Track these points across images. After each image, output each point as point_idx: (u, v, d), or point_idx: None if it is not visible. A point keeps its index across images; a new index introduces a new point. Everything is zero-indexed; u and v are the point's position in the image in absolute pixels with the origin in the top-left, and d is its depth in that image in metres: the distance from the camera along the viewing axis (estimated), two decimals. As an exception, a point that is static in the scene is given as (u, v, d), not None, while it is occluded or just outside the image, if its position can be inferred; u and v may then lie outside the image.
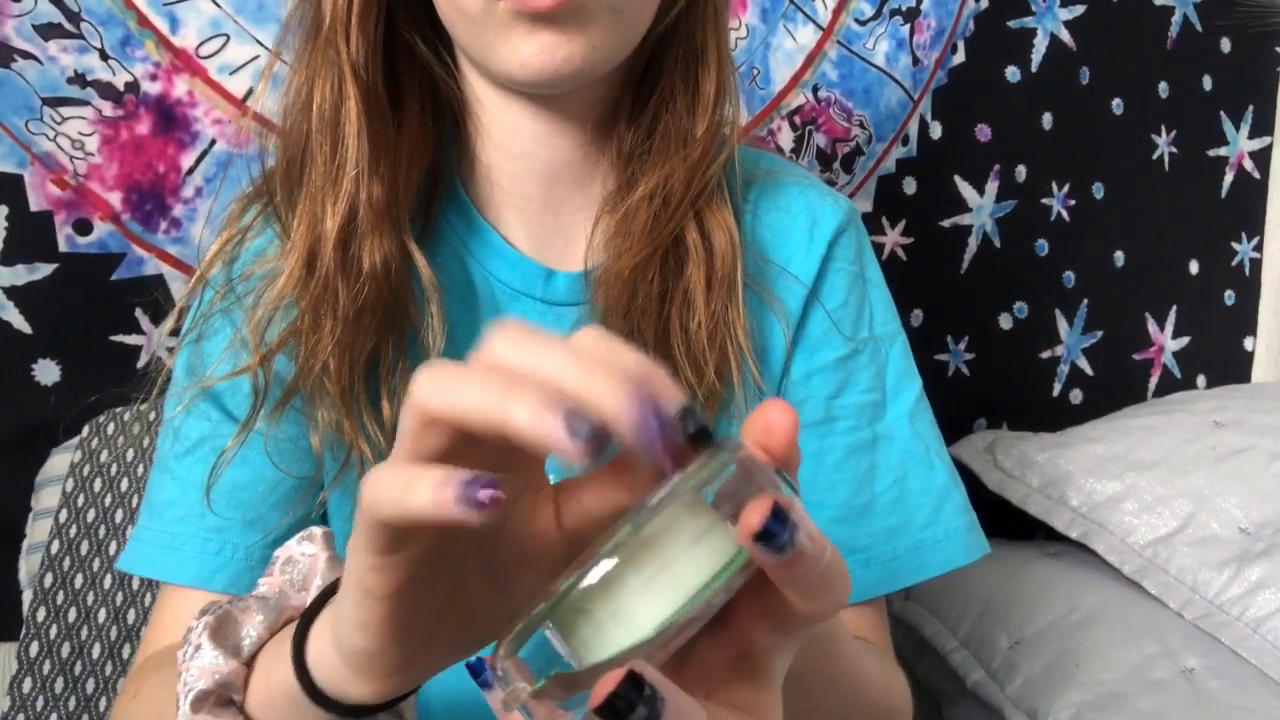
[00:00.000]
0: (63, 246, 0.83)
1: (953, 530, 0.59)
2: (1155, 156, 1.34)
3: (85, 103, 0.82)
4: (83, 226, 0.83)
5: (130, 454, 0.79)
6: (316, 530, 0.39)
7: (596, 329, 0.27)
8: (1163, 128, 1.34)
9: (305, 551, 0.39)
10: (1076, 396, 1.31)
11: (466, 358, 0.27)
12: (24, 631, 0.75)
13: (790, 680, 0.31)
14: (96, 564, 0.76)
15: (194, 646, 0.36)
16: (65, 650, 0.74)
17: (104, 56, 0.82)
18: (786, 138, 1.08)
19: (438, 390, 0.25)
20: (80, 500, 0.77)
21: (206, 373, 0.53)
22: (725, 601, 0.26)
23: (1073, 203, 1.27)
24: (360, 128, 0.50)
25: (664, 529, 0.25)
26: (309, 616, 0.34)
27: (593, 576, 0.25)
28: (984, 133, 1.19)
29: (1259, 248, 1.45)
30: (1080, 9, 1.24)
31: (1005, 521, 1.15)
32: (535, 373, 0.25)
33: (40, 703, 0.73)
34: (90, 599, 0.75)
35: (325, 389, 0.51)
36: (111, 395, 0.82)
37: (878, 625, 0.59)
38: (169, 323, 0.58)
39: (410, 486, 0.24)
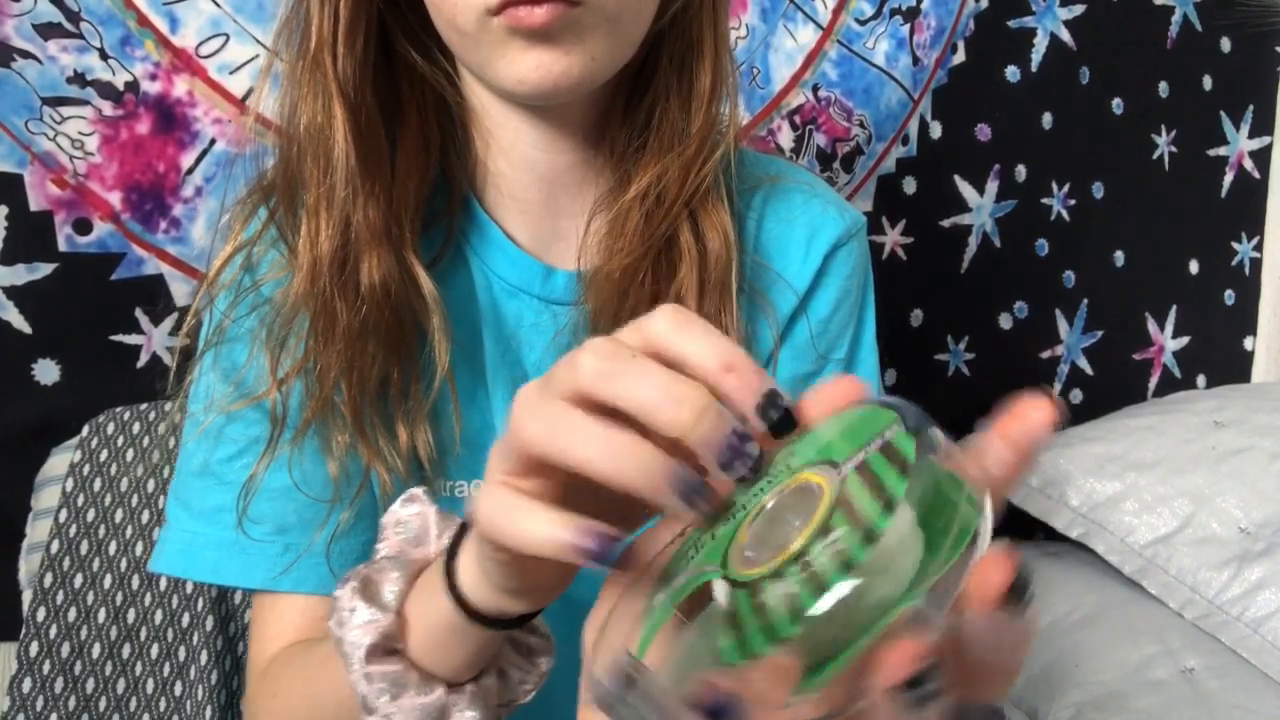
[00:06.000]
0: (63, 246, 0.83)
1: None
2: (1155, 156, 1.34)
3: (85, 102, 0.82)
4: (83, 226, 0.83)
5: (130, 454, 0.79)
6: (417, 491, 0.42)
7: (674, 312, 0.29)
8: (1163, 128, 1.34)
9: (412, 512, 0.41)
10: (1076, 396, 1.31)
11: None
12: (24, 631, 0.75)
13: None
14: (96, 564, 0.76)
15: (348, 610, 0.39)
16: (65, 650, 0.74)
17: (104, 56, 0.82)
18: (786, 137, 1.08)
19: (542, 431, 0.28)
20: (80, 500, 0.77)
21: (237, 376, 0.53)
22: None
23: (1073, 203, 1.27)
24: (348, 149, 0.50)
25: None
26: (452, 554, 0.37)
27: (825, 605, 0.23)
28: (984, 133, 1.19)
29: (1259, 248, 1.45)
30: (1080, 9, 1.24)
31: (1005, 521, 1.15)
32: (624, 400, 0.27)
33: (40, 703, 0.73)
34: (90, 599, 0.75)
35: (339, 412, 0.51)
36: (111, 395, 0.82)
37: None
38: (168, 325, 0.58)
39: (545, 525, 0.28)
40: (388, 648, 0.39)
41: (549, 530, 0.28)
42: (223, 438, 0.54)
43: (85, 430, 0.80)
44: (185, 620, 0.76)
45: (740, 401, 0.27)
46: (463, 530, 0.37)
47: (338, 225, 0.50)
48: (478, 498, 0.31)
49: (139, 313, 0.85)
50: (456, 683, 0.40)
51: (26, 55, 0.80)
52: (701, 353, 0.28)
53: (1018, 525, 1.14)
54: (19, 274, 0.81)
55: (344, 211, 0.50)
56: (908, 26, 1.12)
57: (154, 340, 0.86)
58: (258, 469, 0.52)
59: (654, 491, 0.27)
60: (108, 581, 0.76)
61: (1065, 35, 1.23)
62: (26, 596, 0.77)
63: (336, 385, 0.51)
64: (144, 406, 0.81)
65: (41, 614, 0.75)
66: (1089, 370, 1.32)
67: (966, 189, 1.19)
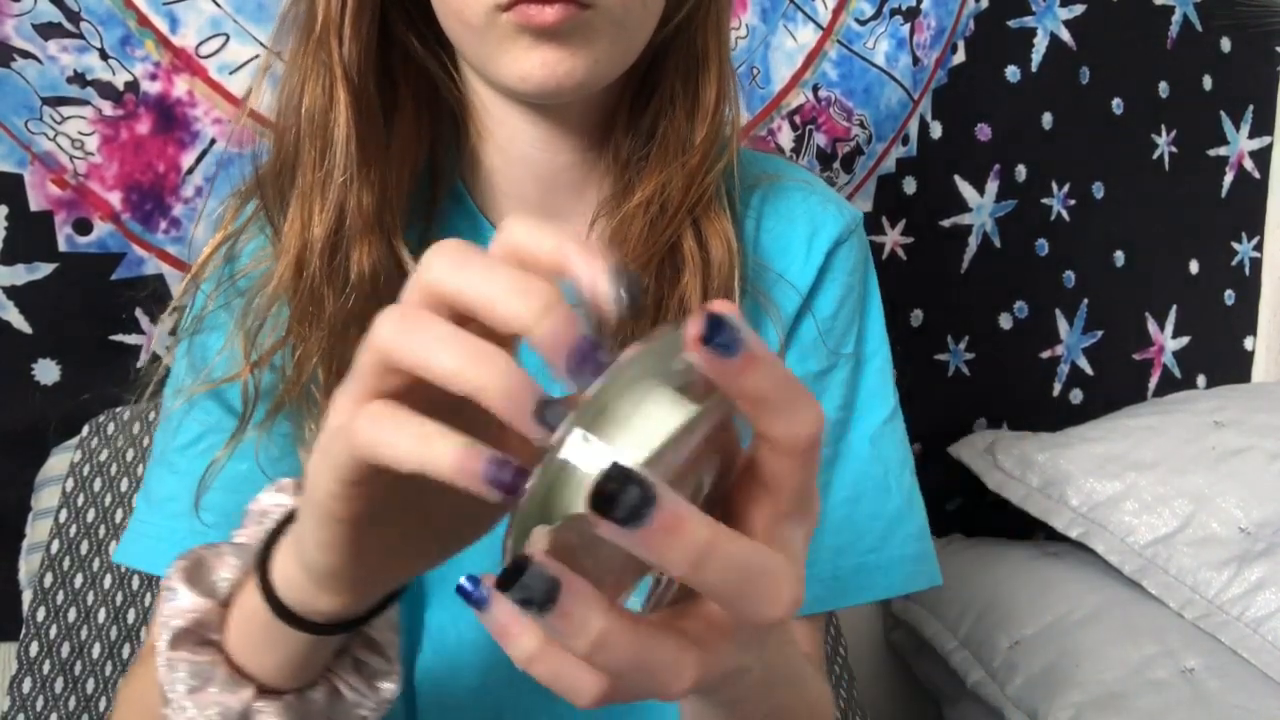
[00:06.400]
0: (63, 246, 0.83)
1: (898, 558, 0.58)
2: (1155, 156, 1.34)
3: (85, 102, 0.82)
4: (83, 226, 0.83)
5: (130, 454, 0.79)
6: (287, 481, 0.39)
7: (521, 223, 0.28)
8: (1163, 128, 1.34)
9: (278, 502, 0.39)
10: (1076, 396, 1.31)
11: None
12: (24, 631, 0.75)
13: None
14: (96, 564, 0.76)
15: (169, 590, 0.36)
16: (65, 650, 0.74)
17: (104, 56, 0.82)
18: (786, 137, 1.08)
19: (393, 334, 0.26)
20: (80, 500, 0.77)
21: (207, 368, 0.53)
22: (696, 450, 0.26)
23: (1073, 203, 1.27)
24: (350, 133, 0.49)
25: (621, 397, 0.25)
26: (271, 539, 0.35)
27: (566, 452, 0.25)
28: (984, 133, 1.19)
29: (1259, 248, 1.45)
30: (1080, 9, 1.24)
31: (1005, 521, 1.15)
32: (469, 295, 0.26)
33: (40, 703, 0.73)
34: (90, 599, 0.75)
35: (314, 400, 0.51)
36: (109, 395, 0.82)
37: (813, 641, 0.59)
38: (165, 321, 0.58)
39: (429, 443, 0.25)
40: (202, 637, 0.36)
41: (457, 452, 0.25)
42: (180, 426, 0.54)
43: (85, 430, 0.80)
44: (185, 620, 0.76)
45: (592, 277, 0.26)
46: (286, 520, 0.35)
47: (332, 211, 0.50)
48: (340, 424, 0.27)
49: (139, 313, 0.85)
50: (275, 690, 0.37)
51: (26, 55, 0.80)
52: (550, 243, 0.27)
53: (1019, 525, 1.15)
54: (19, 274, 0.81)
55: (340, 197, 0.50)
56: (908, 26, 1.12)
57: (154, 340, 0.86)
58: (220, 455, 0.51)
59: (508, 402, 0.25)
60: (108, 581, 0.76)
61: (1065, 35, 1.23)
62: (26, 596, 0.77)
63: (314, 373, 0.50)
64: (144, 406, 0.81)
65: (41, 614, 0.75)
66: (1089, 370, 1.32)
67: (966, 189, 1.19)
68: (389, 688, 0.38)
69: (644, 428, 0.25)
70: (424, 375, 0.26)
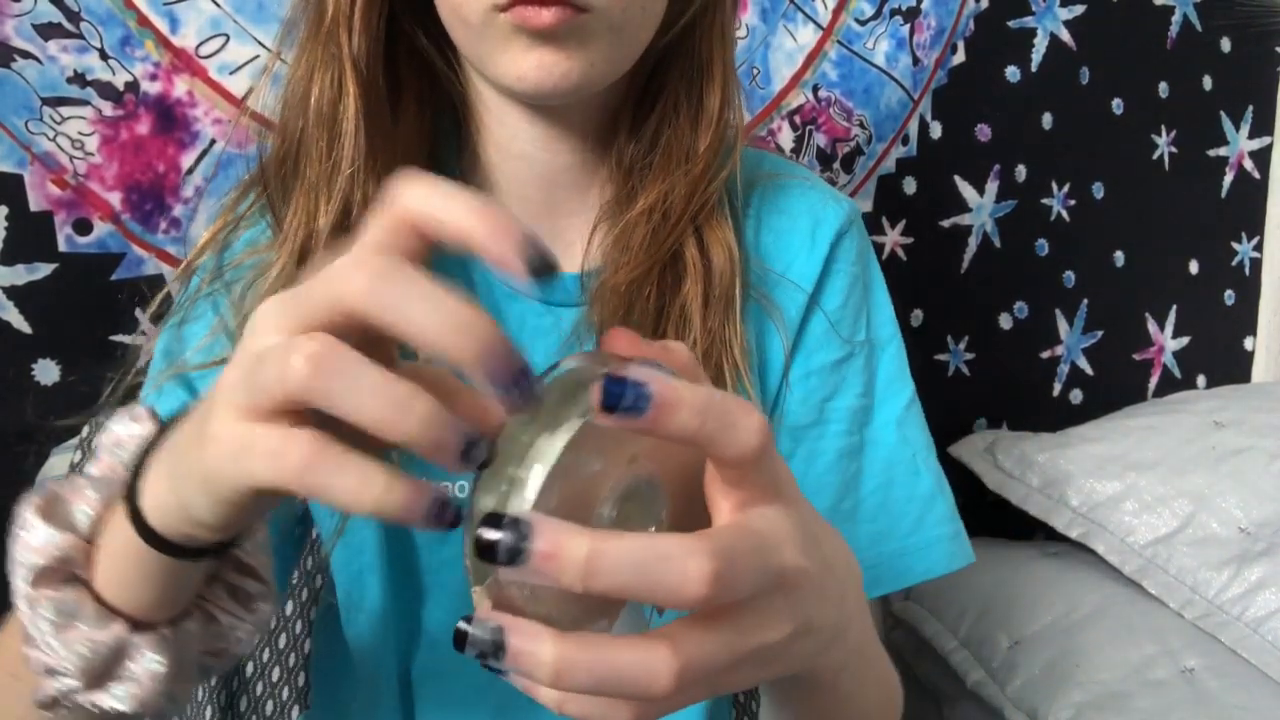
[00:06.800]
0: (63, 246, 0.83)
1: (935, 538, 0.58)
2: (1155, 156, 1.34)
3: (85, 103, 0.82)
4: (83, 226, 0.83)
5: (130, 454, 0.79)
6: (141, 410, 0.38)
7: (417, 186, 0.27)
8: (1163, 128, 1.34)
9: (132, 433, 0.37)
10: (1076, 396, 1.31)
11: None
12: (24, 631, 0.75)
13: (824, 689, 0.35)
14: (96, 564, 0.76)
15: (25, 527, 0.35)
16: (65, 650, 0.74)
17: (104, 56, 0.82)
18: (786, 137, 1.08)
19: (304, 371, 0.25)
20: (80, 500, 0.77)
21: (184, 356, 0.53)
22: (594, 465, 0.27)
23: (1073, 203, 1.27)
24: (358, 125, 0.50)
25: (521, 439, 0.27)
26: (138, 470, 0.33)
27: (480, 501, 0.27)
28: (984, 133, 1.19)
29: (1259, 248, 1.45)
30: (1080, 9, 1.24)
31: (1005, 521, 1.15)
32: (400, 328, 0.26)
33: (40, 703, 0.73)
34: (90, 599, 0.75)
35: None
36: (105, 389, 0.82)
37: None
38: (153, 308, 0.58)
39: (379, 487, 0.26)
40: (67, 574, 0.35)
41: (388, 490, 0.26)
42: None
43: (85, 430, 0.80)
44: (185, 620, 0.76)
45: (500, 255, 0.26)
46: (154, 441, 0.33)
47: (337, 203, 0.50)
48: (245, 444, 0.27)
49: (139, 313, 0.85)
50: (147, 622, 0.35)
51: (26, 55, 0.80)
52: (453, 212, 0.27)
53: (1019, 525, 1.15)
54: (19, 274, 0.81)
55: (347, 189, 0.50)
56: (908, 26, 1.12)
57: (154, 340, 0.86)
58: None
59: (435, 448, 0.25)
60: (108, 581, 0.76)
61: (1065, 35, 1.23)
62: (26, 596, 0.77)
63: None
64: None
65: (41, 614, 0.75)
66: (1089, 370, 1.32)
67: (966, 189, 1.19)
68: (265, 608, 0.38)
69: (532, 466, 0.26)
70: (345, 418, 0.26)
